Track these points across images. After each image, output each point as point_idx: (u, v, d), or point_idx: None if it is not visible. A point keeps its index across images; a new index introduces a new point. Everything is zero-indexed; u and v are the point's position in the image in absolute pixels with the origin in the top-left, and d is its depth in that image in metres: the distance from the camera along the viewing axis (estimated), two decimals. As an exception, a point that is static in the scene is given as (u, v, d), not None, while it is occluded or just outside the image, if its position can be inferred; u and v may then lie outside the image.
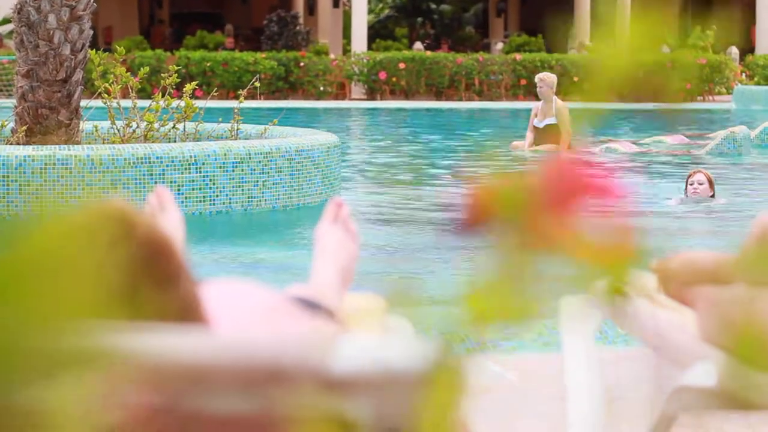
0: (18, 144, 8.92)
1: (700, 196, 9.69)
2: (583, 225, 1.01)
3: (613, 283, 1.02)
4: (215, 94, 11.03)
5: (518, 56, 29.30)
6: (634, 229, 1.02)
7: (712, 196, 9.75)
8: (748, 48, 32.76)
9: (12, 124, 9.34)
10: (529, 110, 15.20)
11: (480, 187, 0.99)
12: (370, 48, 31.11)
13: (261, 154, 8.87)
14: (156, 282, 1.42)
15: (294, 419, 1.12)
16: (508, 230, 0.97)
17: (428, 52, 29.93)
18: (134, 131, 9.43)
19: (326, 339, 1.28)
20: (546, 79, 14.26)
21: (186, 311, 1.48)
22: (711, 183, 9.77)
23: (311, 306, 2.28)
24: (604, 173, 1.04)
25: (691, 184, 9.76)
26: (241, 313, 1.92)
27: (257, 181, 8.83)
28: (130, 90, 9.52)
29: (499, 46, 33.36)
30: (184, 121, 9.61)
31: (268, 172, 8.88)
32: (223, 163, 8.67)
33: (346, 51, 31.57)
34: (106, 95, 9.38)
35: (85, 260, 1.06)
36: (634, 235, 1.02)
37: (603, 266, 1.00)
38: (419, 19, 41.10)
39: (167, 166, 8.47)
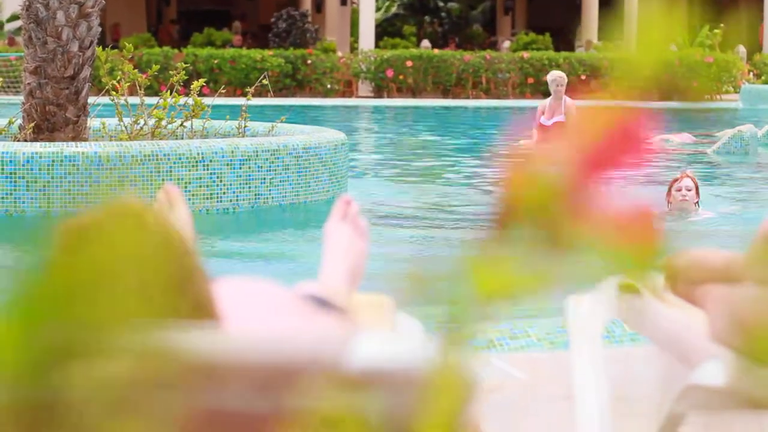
0: (26, 141, 8.93)
1: (688, 203, 8.88)
2: (608, 217, 1.01)
3: (628, 281, 1.02)
4: (223, 91, 11.03)
5: (526, 54, 29.29)
6: (658, 225, 1.02)
7: (697, 202, 8.97)
8: (755, 47, 32.73)
9: (20, 121, 9.35)
10: (536, 108, 15.18)
11: (508, 182, 0.99)
12: (377, 46, 31.10)
13: (268, 151, 8.88)
14: (170, 280, 1.43)
15: (307, 417, 1.12)
16: (533, 221, 0.97)
17: (436, 50, 29.93)
18: (142, 128, 9.44)
19: (339, 337, 1.28)
20: (561, 79, 14.32)
21: (199, 309, 1.49)
22: (697, 188, 8.98)
23: (322, 304, 2.28)
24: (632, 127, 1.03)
25: (678, 190, 8.88)
26: (254, 311, 1.92)
27: (264, 179, 8.83)
28: (138, 87, 9.53)
29: (507, 44, 33.33)
30: (192, 118, 9.62)
31: (276, 170, 8.89)
32: (231, 160, 8.67)
33: (353, 49, 31.57)
34: (113, 92, 9.39)
35: (103, 261, 1.07)
36: (657, 231, 1.02)
37: (624, 262, 1.00)
38: (427, 17, 41.08)
39: (174, 163, 8.48)
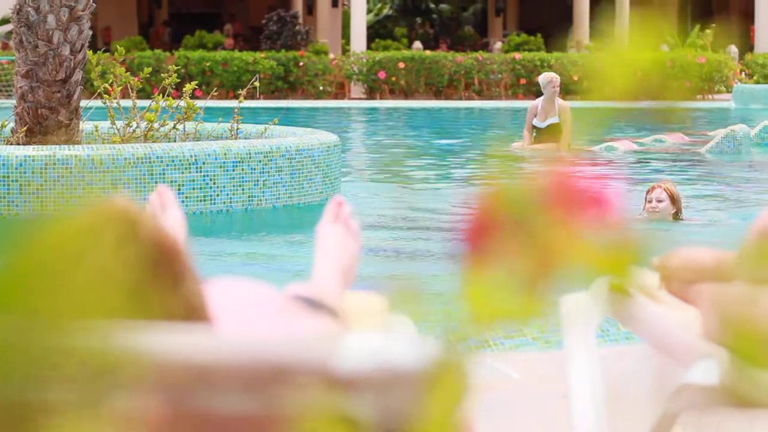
0: (18, 144, 8.92)
1: (659, 215, 8.24)
2: (585, 226, 1.01)
3: (615, 282, 1.02)
4: (215, 93, 11.04)
5: (517, 55, 29.31)
6: (634, 229, 1.03)
7: (676, 213, 8.33)
8: (747, 46, 32.77)
9: (12, 125, 9.34)
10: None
11: (484, 198, 0.99)
12: (369, 47, 31.10)
13: (261, 153, 8.88)
14: (161, 281, 1.42)
15: (298, 418, 1.12)
16: (513, 236, 0.97)
17: (427, 52, 29.93)
18: (134, 131, 9.44)
19: (330, 338, 1.28)
20: (557, 80, 14.30)
21: (190, 311, 1.48)
22: (673, 199, 8.29)
23: (313, 305, 2.28)
24: (598, 182, 1.04)
25: (648, 201, 8.29)
26: (245, 312, 1.92)
27: (257, 181, 8.83)
28: (130, 90, 9.53)
29: (498, 45, 33.36)
30: (184, 121, 9.62)
31: (269, 172, 8.89)
32: (224, 162, 8.67)
33: (345, 51, 31.56)
34: (105, 95, 9.39)
35: (91, 260, 1.07)
36: (634, 235, 1.02)
37: (605, 265, 1.00)
38: (418, 19, 41.09)
39: (167, 165, 8.47)
